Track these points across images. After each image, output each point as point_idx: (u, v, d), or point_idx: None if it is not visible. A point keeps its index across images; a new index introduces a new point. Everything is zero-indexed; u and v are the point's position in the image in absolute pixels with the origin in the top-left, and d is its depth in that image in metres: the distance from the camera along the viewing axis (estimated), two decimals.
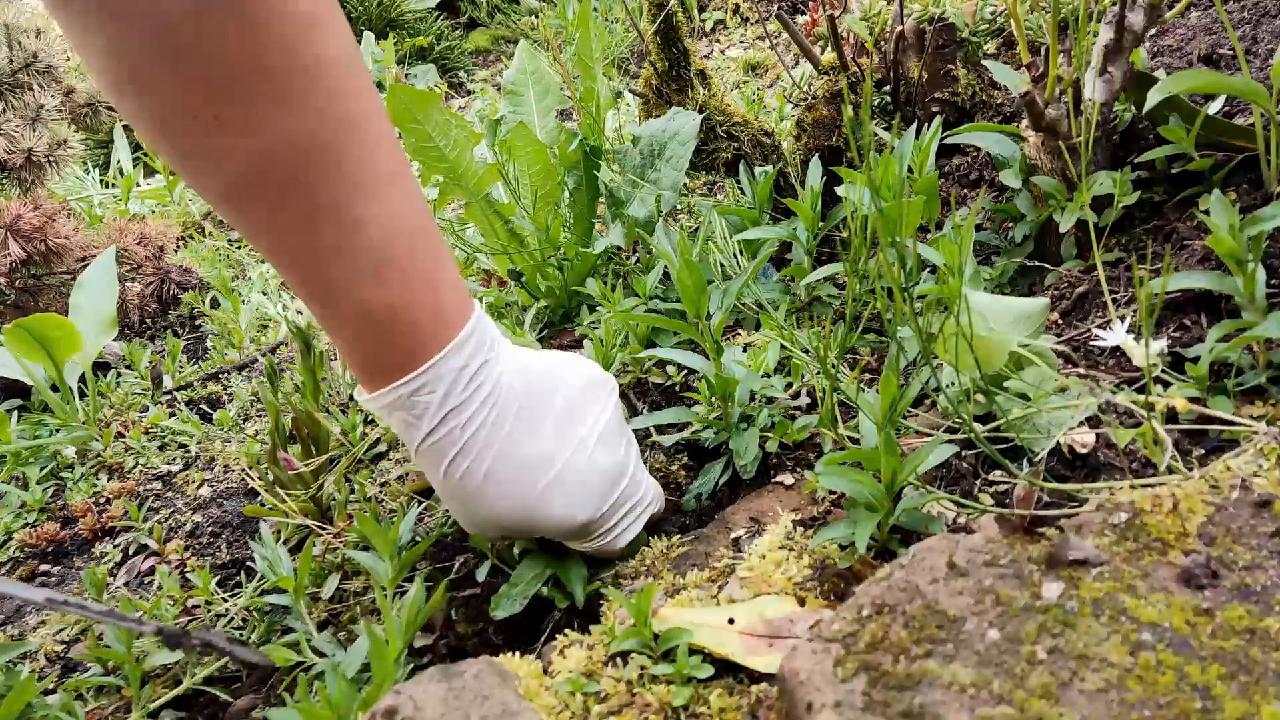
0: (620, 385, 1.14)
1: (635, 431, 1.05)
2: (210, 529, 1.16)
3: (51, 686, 0.95)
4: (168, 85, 0.57)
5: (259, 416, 1.49)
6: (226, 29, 0.55)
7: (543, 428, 0.75)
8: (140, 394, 1.66)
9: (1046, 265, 1.08)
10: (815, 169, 1.23)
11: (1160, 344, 0.72)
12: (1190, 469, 0.67)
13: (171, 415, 1.54)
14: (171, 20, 0.54)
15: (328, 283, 0.65)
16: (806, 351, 1.01)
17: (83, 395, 1.62)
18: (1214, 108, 1.03)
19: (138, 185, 2.33)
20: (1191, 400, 0.74)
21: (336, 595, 0.94)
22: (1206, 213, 0.91)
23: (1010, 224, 1.15)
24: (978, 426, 0.79)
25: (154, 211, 2.85)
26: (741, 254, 1.32)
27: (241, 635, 0.92)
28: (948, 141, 1.14)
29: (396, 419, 0.71)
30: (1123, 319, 0.88)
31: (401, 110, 1.18)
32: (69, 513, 1.31)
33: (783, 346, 1.03)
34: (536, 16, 1.65)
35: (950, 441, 0.74)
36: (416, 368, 0.68)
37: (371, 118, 0.64)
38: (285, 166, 0.60)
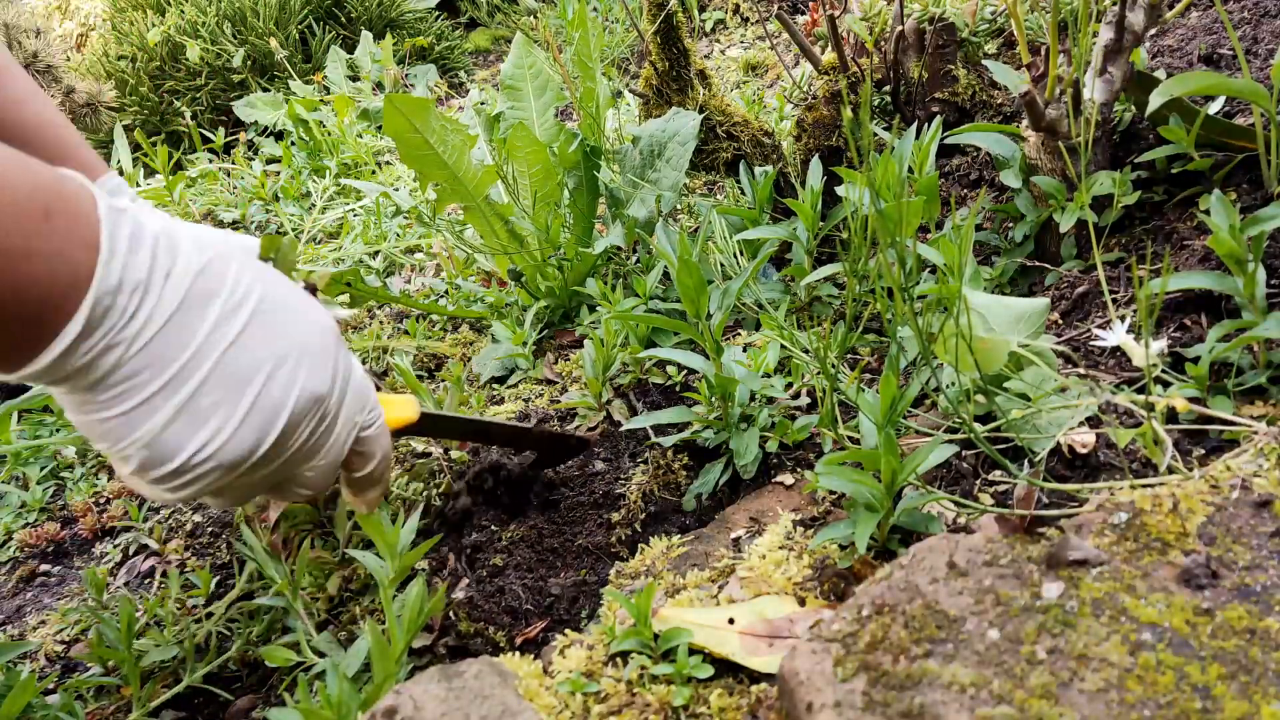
0: (620, 385, 1.14)
1: (635, 431, 1.05)
2: (210, 529, 1.16)
3: (51, 686, 0.95)
4: None
5: None
6: None
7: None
8: None
9: (1046, 265, 1.08)
10: (815, 169, 1.23)
11: (1160, 344, 0.72)
12: (1190, 469, 0.67)
13: None
14: None
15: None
16: (806, 351, 1.01)
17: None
18: (1214, 108, 1.04)
19: (138, 185, 2.33)
20: (1191, 400, 0.74)
21: (337, 596, 0.94)
22: (1206, 213, 0.91)
23: (1010, 224, 1.15)
24: (978, 426, 0.79)
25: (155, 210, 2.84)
26: (741, 254, 1.32)
27: (240, 635, 0.92)
28: (948, 141, 1.14)
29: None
30: (1123, 319, 0.88)
31: (397, 119, 1.18)
32: (69, 513, 1.31)
33: (783, 346, 1.03)
34: (536, 17, 1.65)
35: (950, 441, 0.74)
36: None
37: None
38: None
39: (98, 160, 0.89)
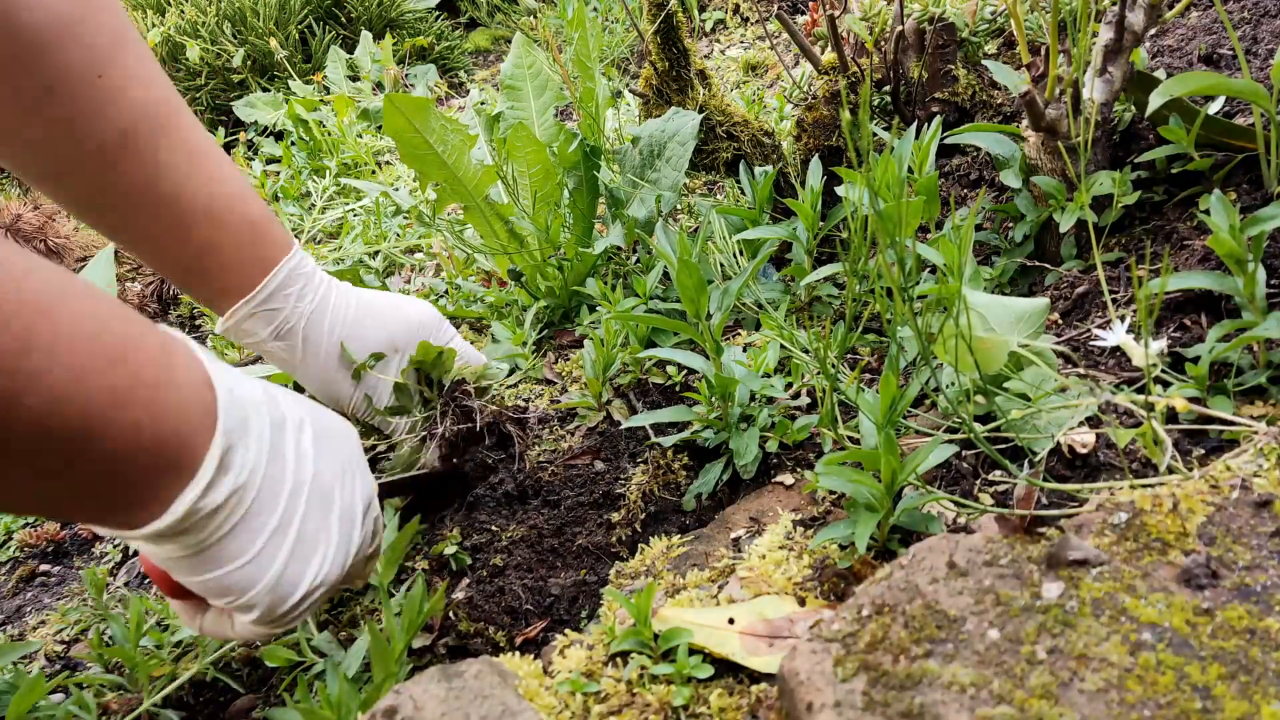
0: (620, 385, 1.14)
1: (635, 431, 1.05)
2: None
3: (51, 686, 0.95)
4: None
5: None
6: None
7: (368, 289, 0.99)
8: None
9: (1046, 265, 1.08)
10: (815, 169, 1.23)
11: (1160, 344, 0.72)
12: (1190, 469, 0.67)
13: None
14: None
15: (212, 199, 0.82)
16: (806, 351, 1.01)
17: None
18: (1214, 108, 1.04)
19: None
20: (1191, 400, 0.74)
21: (337, 596, 0.94)
22: (1206, 213, 0.91)
23: (1010, 224, 1.15)
24: (978, 426, 0.79)
25: None
26: (741, 254, 1.32)
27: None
28: (948, 141, 1.14)
29: (279, 303, 0.89)
30: (1123, 319, 0.88)
31: (397, 119, 1.18)
32: None
33: (783, 346, 1.03)
34: (536, 16, 1.65)
35: (950, 441, 0.74)
36: (289, 252, 0.88)
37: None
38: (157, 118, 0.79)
39: (288, 233, 0.92)
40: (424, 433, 0.98)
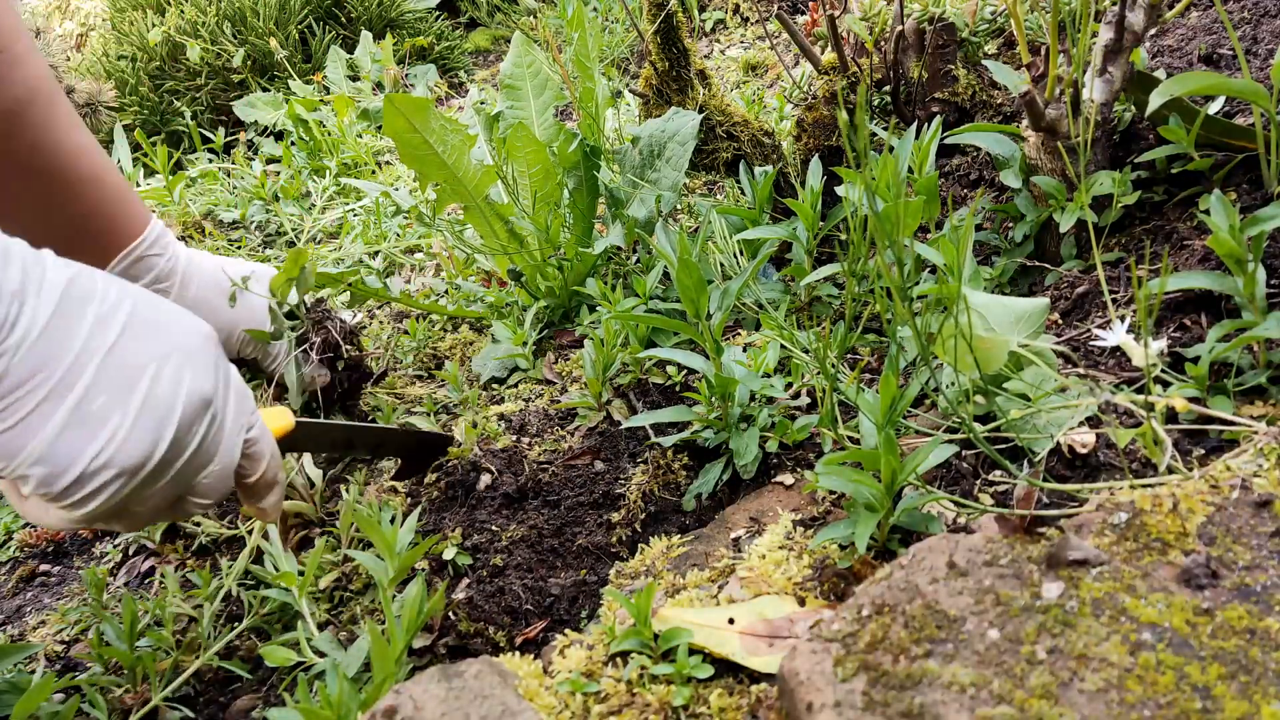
0: (620, 385, 1.14)
1: (635, 431, 1.05)
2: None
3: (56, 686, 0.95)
4: None
5: None
6: None
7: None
8: None
9: (1046, 265, 1.08)
10: (815, 169, 1.23)
11: (1160, 344, 0.72)
12: (1190, 469, 0.67)
13: None
14: None
15: (96, 166, 1.00)
16: (806, 351, 1.01)
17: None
18: (1214, 108, 1.04)
19: (137, 185, 2.33)
20: (1191, 400, 0.74)
21: (337, 596, 0.94)
22: (1206, 213, 0.91)
23: (1010, 224, 1.15)
24: (978, 426, 0.79)
25: (154, 211, 2.85)
26: (741, 254, 1.32)
27: (238, 634, 0.92)
28: (948, 141, 1.14)
29: (149, 265, 1.08)
30: (1123, 319, 0.88)
31: (397, 119, 1.18)
32: None
33: (783, 346, 1.03)
34: (535, 16, 1.65)
35: (950, 441, 0.74)
36: (151, 218, 1.08)
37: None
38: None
39: (144, 209, 1.09)
40: (303, 348, 1.13)
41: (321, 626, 0.89)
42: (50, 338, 0.62)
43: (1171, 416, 0.76)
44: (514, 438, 1.11)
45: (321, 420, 1.05)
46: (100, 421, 0.64)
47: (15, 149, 0.93)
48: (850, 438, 0.87)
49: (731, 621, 0.67)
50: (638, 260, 1.40)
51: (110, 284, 0.69)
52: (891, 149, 0.88)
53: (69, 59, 3.46)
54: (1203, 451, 0.73)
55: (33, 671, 0.95)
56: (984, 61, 1.29)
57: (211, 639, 0.91)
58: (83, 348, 0.64)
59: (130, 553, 1.19)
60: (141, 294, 0.71)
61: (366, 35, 3.37)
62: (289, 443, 0.88)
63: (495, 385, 1.28)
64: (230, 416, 0.73)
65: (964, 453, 0.83)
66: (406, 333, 1.46)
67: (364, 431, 1.00)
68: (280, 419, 0.86)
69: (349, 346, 1.17)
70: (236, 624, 0.95)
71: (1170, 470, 0.66)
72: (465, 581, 0.90)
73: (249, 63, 3.27)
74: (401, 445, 1.05)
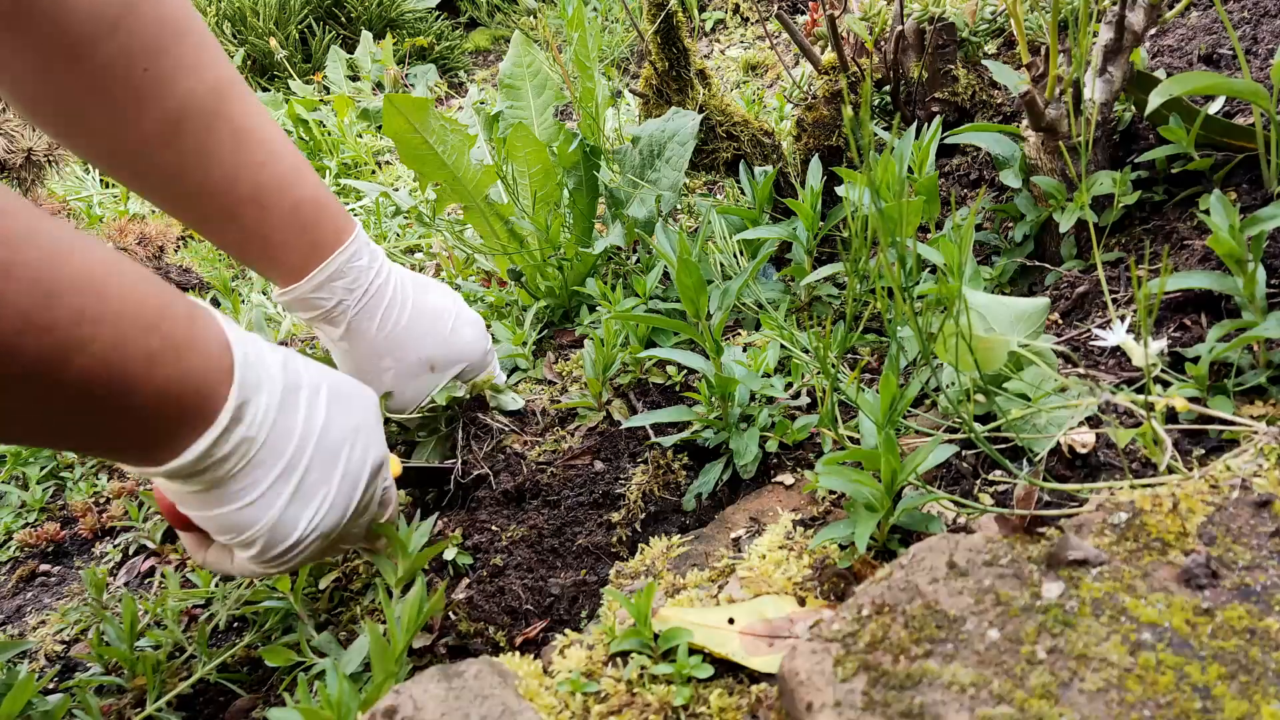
0: (620, 385, 1.14)
1: (635, 431, 1.05)
2: None
3: (51, 686, 0.95)
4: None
5: None
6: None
7: (436, 288, 1.06)
8: None
9: (1046, 265, 1.08)
10: (815, 169, 1.23)
11: (1160, 344, 0.72)
12: (1190, 469, 0.67)
13: None
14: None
15: (259, 186, 0.86)
16: (806, 351, 1.01)
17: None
18: (1214, 108, 1.04)
19: None
20: (1191, 400, 0.74)
21: (337, 597, 0.94)
22: (1206, 213, 0.91)
23: (1010, 224, 1.15)
24: (978, 426, 0.79)
25: (154, 212, 2.85)
26: (741, 254, 1.32)
27: (238, 634, 0.92)
28: (948, 141, 1.14)
29: (327, 294, 0.94)
30: (1123, 319, 0.88)
31: (397, 119, 1.18)
32: (69, 513, 1.31)
33: (783, 346, 1.03)
34: (535, 16, 1.65)
35: (950, 441, 0.74)
36: (344, 242, 0.93)
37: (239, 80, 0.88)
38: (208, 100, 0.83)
39: (349, 218, 0.97)
40: (446, 444, 1.08)
41: (321, 627, 0.89)
42: (279, 425, 0.71)
43: (1171, 416, 0.76)
44: (514, 438, 1.10)
45: (422, 465, 1.05)
46: (313, 495, 0.73)
47: (168, 171, 0.84)
48: (850, 438, 0.87)
49: (731, 621, 0.67)
50: (638, 260, 1.40)
51: (308, 364, 0.76)
52: (892, 149, 0.88)
53: None
54: (1203, 451, 0.73)
55: (33, 671, 0.95)
56: (984, 61, 1.29)
57: (213, 651, 0.90)
58: (302, 433, 0.72)
59: (130, 553, 1.19)
60: (329, 375, 0.78)
61: (366, 35, 3.37)
62: (397, 484, 0.92)
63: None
64: (385, 473, 0.82)
65: (964, 453, 0.83)
66: None
67: (443, 471, 1.04)
68: (394, 465, 0.91)
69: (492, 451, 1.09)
70: (234, 635, 0.95)
71: (1170, 470, 0.66)
72: (465, 581, 0.90)
73: (249, 62, 3.27)
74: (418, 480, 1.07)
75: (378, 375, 1.02)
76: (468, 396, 1.10)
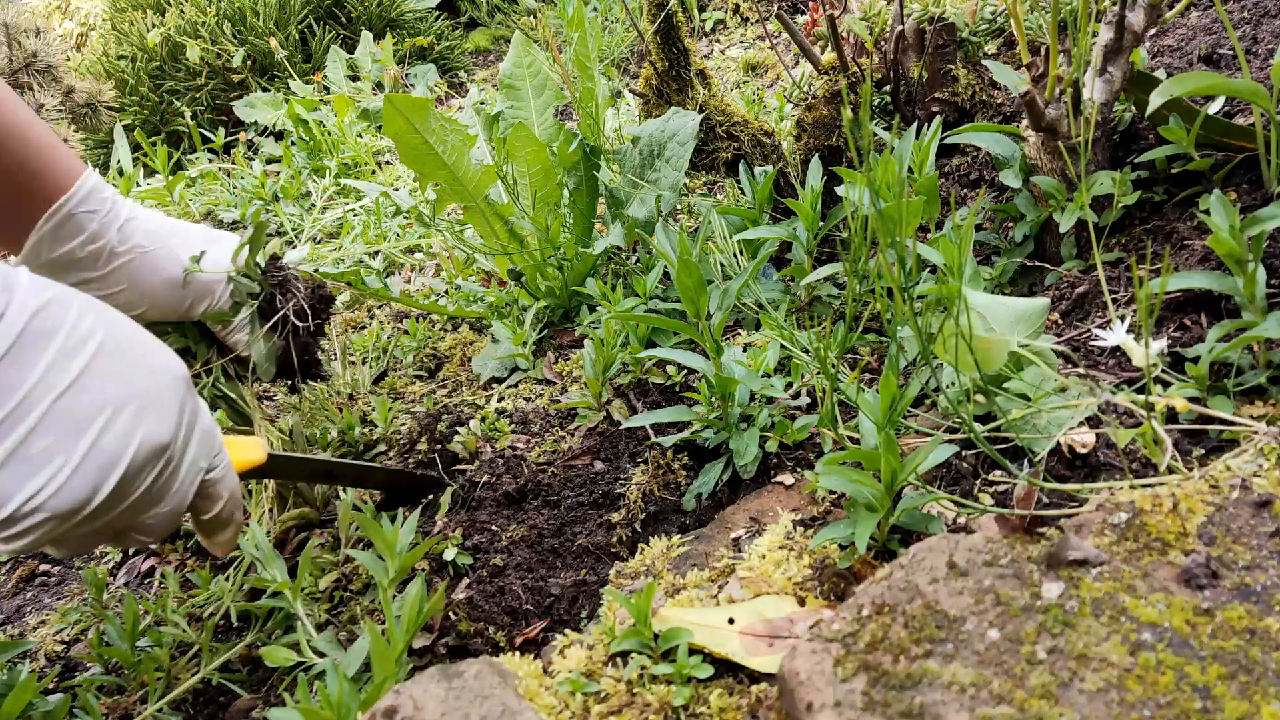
0: (620, 385, 1.14)
1: (635, 430, 1.05)
2: None
3: (52, 686, 0.95)
4: None
5: None
6: None
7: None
8: None
9: (1046, 265, 1.08)
10: (815, 169, 1.23)
11: (1160, 344, 0.72)
12: (1190, 469, 0.67)
13: None
14: None
15: (17, 117, 0.87)
16: (806, 351, 1.01)
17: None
18: (1214, 108, 1.04)
19: (137, 185, 2.33)
20: (1191, 400, 0.74)
21: (337, 596, 0.94)
22: (1206, 213, 0.91)
23: (1010, 224, 1.15)
24: (978, 426, 0.79)
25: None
26: (741, 254, 1.32)
27: (239, 634, 0.92)
28: (948, 141, 1.14)
29: (92, 204, 0.92)
30: (1123, 319, 0.88)
31: (397, 120, 1.17)
32: None
33: (783, 346, 1.03)
34: (535, 16, 1.65)
35: (950, 441, 0.74)
36: (85, 170, 0.92)
37: None
38: None
39: (75, 161, 0.94)
40: (264, 318, 1.00)
41: (321, 627, 0.89)
42: (4, 370, 0.59)
43: (1171, 416, 0.76)
44: (514, 438, 1.11)
45: (296, 454, 0.95)
46: (39, 465, 0.61)
47: None
48: (850, 438, 0.87)
49: (731, 621, 0.67)
50: (638, 260, 1.40)
51: (85, 313, 0.65)
52: (892, 149, 0.88)
53: (69, 59, 3.47)
54: (1203, 451, 0.73)
55: (34, 671, 0.95)
56: (984, 61, 1.29)
57: (213, 653, 0.90)
58: (33, 387, 0.61)
59: (130, 553, 1.19)
60: (118, 326, 0.68)
61: (366, 35, 3.37)
62: (261, 472, 0.84)
63: (495, 385, 1.28)
64: (188, 460, 0.70)
65: (964, 453, 0.83)
66: (406, 333, 1.46)
67: (345, 466, 0.97)
68: (251, 451, 0.82)
69: (314, 303, 1.05)
70: (235, 637, 0.95)
71: (1170, 470, 0.66)
72: (465, 581, 0.90)
73: (249, 63, 3.27)
74: (386, 481, 1.02)
75: (168, 288, 0.95)
76: (263, 258, 1.02)
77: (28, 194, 0.89)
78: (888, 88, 1.38)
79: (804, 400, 0.99)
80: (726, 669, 0.64)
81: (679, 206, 1.67)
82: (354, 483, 1.00)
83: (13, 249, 0.92)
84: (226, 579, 0.99)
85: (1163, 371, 0.79)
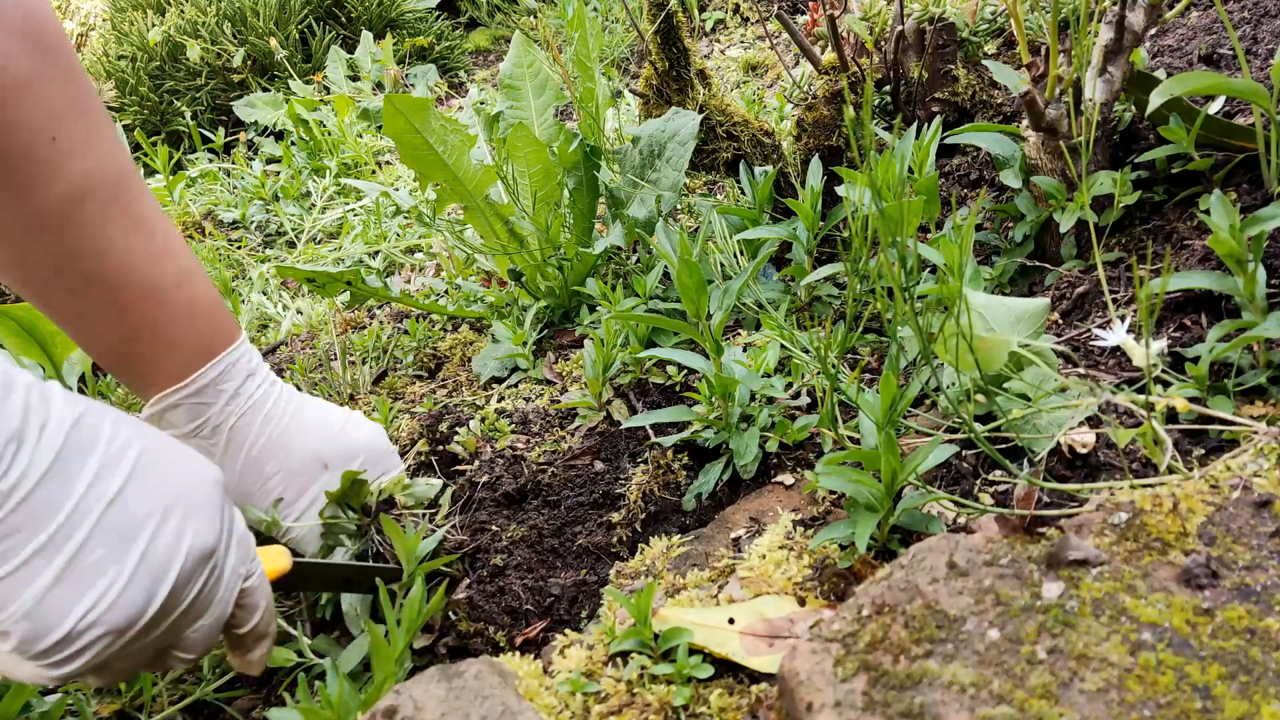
0: (620, 385, 1.14)
1: (635, 430, 1.05)
2: None
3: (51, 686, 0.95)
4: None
5: None
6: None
7: (323, 401, 0.98)
8: None
9: (1046, 265, 1.08)
10: (815, 169, 1.23)
11: (1160, 344, 0.72)
12: (1190, 469, 0.67)
13: None
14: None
15: (157, 279, 0.82)
16: (806, 351, 1.01)
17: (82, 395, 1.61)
18: (1214, 108, 1.04)
19: None
20: (1191, 400, 0.74)
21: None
22: (1207, 213, 0.91)
23: (1010, 224, 1.15)
24: (978, 426, 0.79)
25: None
26: (741, 254, 1.32)
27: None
28: (948, 141, 1.14)
29: (210, 397, 0.87)
30: (1123, 319, 0.88)
31: (397, 120, 1.17)
32: None
33: (783, 346, 1.03)
34: (536, 16, 1.65)
35: (950, 441, 0.74)
36: (233, 343, 0.88)
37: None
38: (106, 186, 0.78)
39: (236, 323, 0.91)
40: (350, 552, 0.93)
41: (321, 627, 0.89)
42: (46, 489, 0.58)
43: (1171, 416, 0.76)
44: (514, 438, 1.11)
45: (319, 561, 0.88)
46: (92, 579, 0.59)
47: (60, 252, 0.76)
48: (850, 438, 0.87)
49: (731, 621, 0.67)
50: (638, 260, 1.40)
51: (120, 425, 0.64)
52: (892, 149, 0.88)
53: None
54: (1203, 451, 0.73)
55: None
56: (984, 61, 1.29)
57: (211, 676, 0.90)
58: (80, 501, 0.60)
59: None
60: (153, 437, 0.67)
61: (367, 35, 3.38)
62: (284, 583, 0.81)
63: (495, 385, 1.28)
64: (229, 567, 0.69)
65: (964, 453, 0.83)
66: (406, 333, 1.46)
67: (367, 571, 0.89)
68: (276, 559, 0.79)
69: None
70: None
71: (1170, 470, 0.66)
72: (465, 581, 0.90)
73: (249, 63, 3.27)
74: (394, 578, 0.92)
75: (263, 484, 0.90)
76: (376, 499, 0.95)
77: (143, 363, 0.83)
78: (888, 88, 1.38)
79: (804, 400, 0.99)
80: (726, 669, 0.64)
81: (679, 206, 1.67)
82: (370, 589, 0.91)
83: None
84: None
85: (1163, 371, 0.79)
